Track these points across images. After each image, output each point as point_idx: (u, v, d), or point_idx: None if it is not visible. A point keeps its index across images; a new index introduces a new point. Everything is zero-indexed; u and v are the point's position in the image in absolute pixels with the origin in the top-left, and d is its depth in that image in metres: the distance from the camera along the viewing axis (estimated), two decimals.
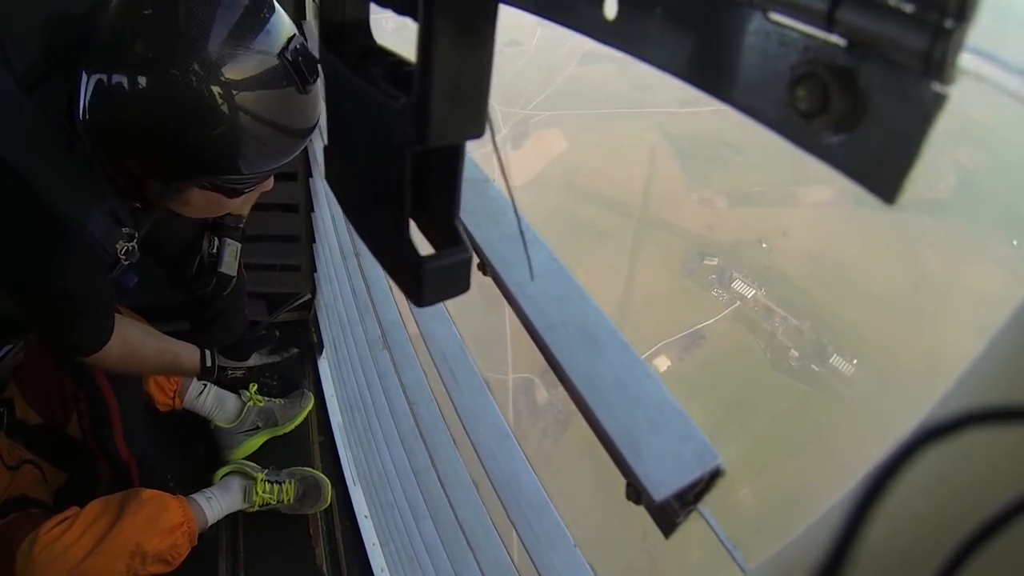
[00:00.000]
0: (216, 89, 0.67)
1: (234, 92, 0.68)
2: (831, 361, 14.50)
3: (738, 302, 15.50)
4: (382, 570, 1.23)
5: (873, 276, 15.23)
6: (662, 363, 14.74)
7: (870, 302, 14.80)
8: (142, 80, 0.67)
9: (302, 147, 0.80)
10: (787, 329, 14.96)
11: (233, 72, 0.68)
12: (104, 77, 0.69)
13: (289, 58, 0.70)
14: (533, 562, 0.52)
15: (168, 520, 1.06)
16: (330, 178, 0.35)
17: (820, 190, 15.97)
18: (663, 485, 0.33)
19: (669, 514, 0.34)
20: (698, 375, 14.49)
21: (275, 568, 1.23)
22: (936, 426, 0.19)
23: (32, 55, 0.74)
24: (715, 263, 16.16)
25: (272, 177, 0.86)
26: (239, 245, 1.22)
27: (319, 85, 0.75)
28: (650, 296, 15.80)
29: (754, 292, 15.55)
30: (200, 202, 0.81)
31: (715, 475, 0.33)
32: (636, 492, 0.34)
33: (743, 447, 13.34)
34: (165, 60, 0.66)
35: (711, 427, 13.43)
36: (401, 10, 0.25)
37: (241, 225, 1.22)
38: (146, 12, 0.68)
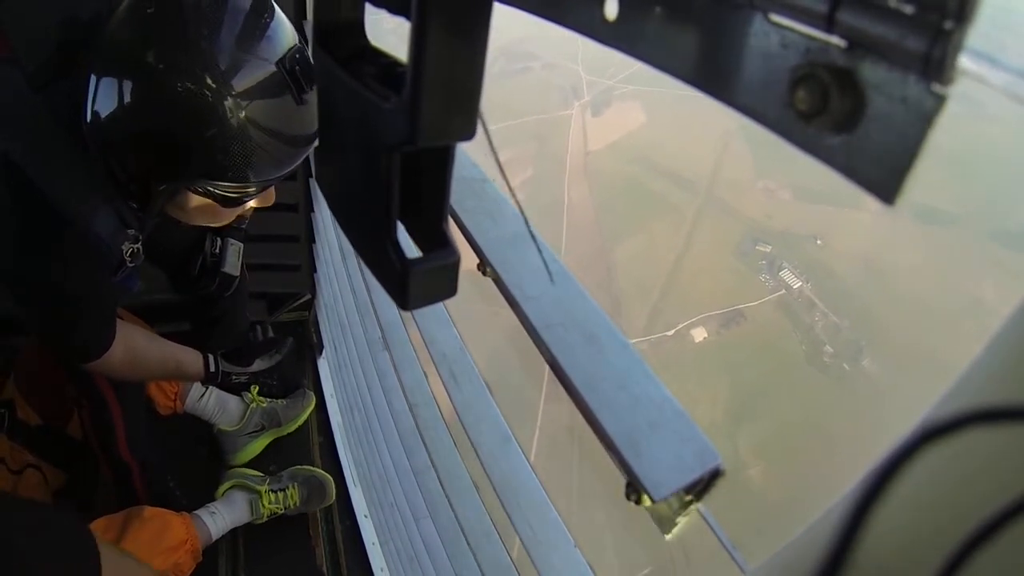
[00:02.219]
0: (217, 94, 0.67)
1: (237, 99, 0.68)
2: (863, 363, 14.58)
3: (783, 290, 15.84)
4: (382, 570, 1.23)
5: (923, 290, 15.37)
6: (699, 333, 15.12)
7: (915, 314, 14.93)
8: (144, 85, 0.67)
9: (302, 157, 0.79)
10: (826, 325, 15.14)
11: (232, 78, 0.68)
12: (108, 80, 0.69)
13: (287, 67, 0.70)
14: (533, 562, 0.52)
15: (171, 539, 1.05)
16: (320, 178, 0.35)
17: None
18: (663, 485, 0.33)
19: (669, 514, 0.34)
20: (732, 351, 14.77)
21: (275, 568, 1.24)
22: (936, 426, 0.19)
23: (43, 55, 0.74)
24: (767, 250, 16.56)
25: (273, 193, 0.85)
26: (242, 245, 1.22)
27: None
28: (699, 269, 16.21)
29: (800, 284, 15.82)
30: (196, 208, 0.81)
31: (715, 475, 0.33)
32: (636, 492, 0.34)
33: (762, 428, 13.59)
34: (168, 67, 0.67)
35: (735, 403, 13.85)
36: (395, 10, 0.25)
37: (244, 225, 1.21)
38: (151, 18, 0.68)
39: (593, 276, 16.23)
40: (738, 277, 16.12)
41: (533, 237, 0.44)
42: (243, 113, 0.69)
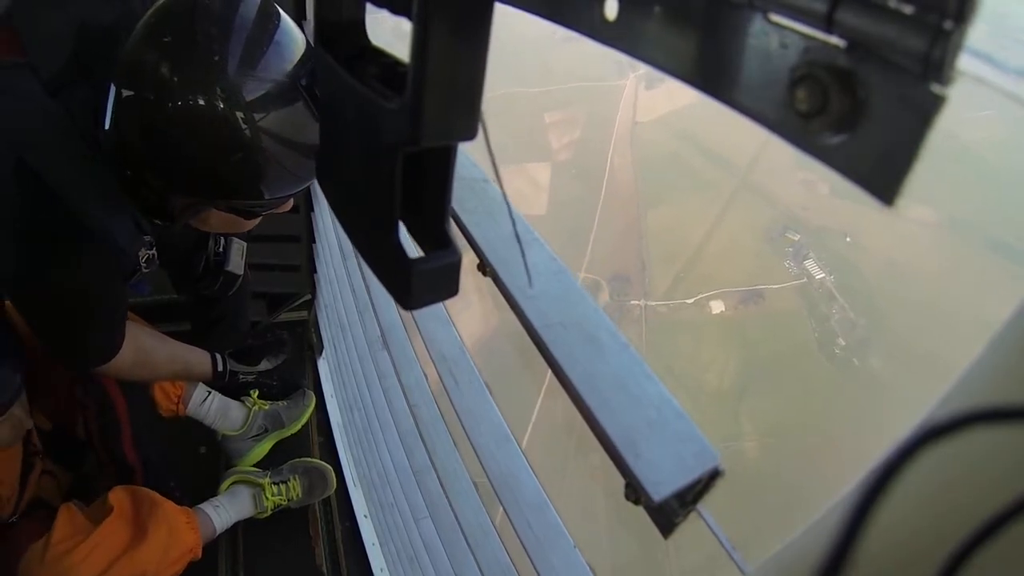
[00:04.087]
0: (238, 115, 0.66)
1: (255, 118, 0.67)
2: (872, 361, 14.75)
3: (805, 279, 16.14)
4: (381, 570, 1.23)
5: (946, 301, 15.48)
6: (717, 306, 15.60)
7: (933, 324, 15.07)
8: (165, 105, 0.67)
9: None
10: (842, 319, 15.38)
11: (252, 99, 0.67)
12: (129, 96, 0.69)
13: (303, 84, 0.69)
14: (533, 562, 0.52)
15: (179, 548, 1.05)
16: (321, 177, 0.35)
17: (924, 210, 16.66)
18: (662, 485, 0.33)
19: (668, 514, 0.34)
20: (747, 327, 15.19)
21: (275, 568, 1.24)
22: (936, 426, 0.19)
23: (59, 61, 0.74)
24: (796, 239, 16.88)
25: (292, 198, 0.85)
26: (245, 244, 1.22)
27: None
28: (726, 248, 16.64)
29: (823, 276, 16.08)
30: (218, 222, 0.81)
31: (714, 476, 0.33)
32: (635, 492, 0.34)
33: (762, 406, 13.88)
34: (187, 86, 0.66)
35: (743, 376, 14.27)
36: (397, 10, 0.25)
37: None
38: (168, 36, 0.67)
39: (624, 237, 16.69)
40: (763, 260, 16.53)
41: (519, 240, 0.44)
42: (263, 133, 0.68)
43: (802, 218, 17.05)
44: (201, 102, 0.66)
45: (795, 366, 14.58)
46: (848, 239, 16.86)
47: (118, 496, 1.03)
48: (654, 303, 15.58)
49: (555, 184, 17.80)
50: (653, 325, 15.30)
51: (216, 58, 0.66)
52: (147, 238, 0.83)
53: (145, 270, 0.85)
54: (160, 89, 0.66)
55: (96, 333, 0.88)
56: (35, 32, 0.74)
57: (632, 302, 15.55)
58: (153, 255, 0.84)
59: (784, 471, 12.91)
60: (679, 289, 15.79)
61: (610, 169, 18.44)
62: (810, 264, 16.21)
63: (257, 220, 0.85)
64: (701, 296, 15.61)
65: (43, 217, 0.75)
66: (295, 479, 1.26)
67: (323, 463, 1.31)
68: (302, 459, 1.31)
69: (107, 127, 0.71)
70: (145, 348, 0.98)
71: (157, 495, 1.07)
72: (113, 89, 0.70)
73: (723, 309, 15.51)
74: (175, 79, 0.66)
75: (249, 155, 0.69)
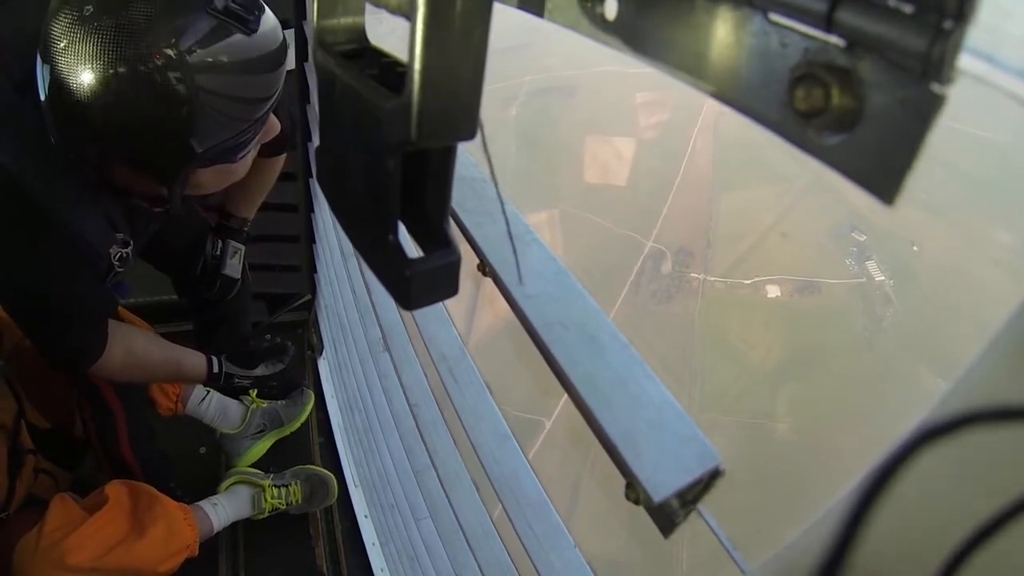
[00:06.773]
0: (171, 73, 0.62)
1: (187, 63, 0.63)
2: (919, 368, 14.91)
3: (864, 279, 16.21)
4: (382, 570, 1.23)
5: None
6: (773, 290, 15.91)
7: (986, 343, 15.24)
8: (91, 78, 0.62)
9: (279, 82, 0.75)
10: (896, 322, 15.46)
11: (178, 45, 0.62)
12: (55, 74, 0.64)
13: (219, 9, 0.65)
14: (533, 562, 0.52)
15: (176, 543, 1.04)
16: (320, 178, 0.35)
17: (1001, 231, 16.70)
18: (662, 485, 0.33)
19: (668, 514, 0.34)
20: (800, 315, 15.47)
21: (275, 567, 1.24)
22: (936, 426, 0.19)
23: (31, 60, 0.74)
24: (861, 239, 16.93)
25: (276, 122, 0.80)
26: (243, 248, 1.21)
27: (268, 15, 0.71)
28: (788, 237, 17.02)
29: (883, 279, 16.15)
30: (209, 180, 0.77)
31: (714, 475, 0.33)
32: (635, 492, 0.34)
33: (801, 392, 14.08)
34: (109, 53, 0.62)
35: (787, 360, 14.53)
36: (395, 10, 0.25)
37: (246, 228, 1.21)
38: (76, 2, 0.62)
39: (695, 216, 17.25)
40: (825, 254, 16.81)
41: (511, 240, 0.44)
42: (204, 80, 0.64)
43: (870, 220, 17.11)
44: (125, 67, 0.61)
45: (841, 360, 14.70)
46: (915, 248, 16.95)
47: (115, 489, 1.03)
48: (713, 279, 15.90)
49: (637, 159, 18.35)
50: (709, 298, 15.63)
51: (132, 17, 0.61)
52: (120, 236, 0.81)
53: (119, 269, 0.83)
54: (79, 62, 0.62)
55: (73, 336, 0.86)
56: (7, 31, 0.73)
57: (692, 275, 15.91)
58: (126, 254, 0.82)
59: (808, 457, 13.07)
60: (739, 270, 16.14)
61: (691, 152, 18.92)
62: (871, 265, 16.28)
63: (249, 161, 0.80)
64: (759, 279, 15.91)
65: (14, 216, 0.74)
66: (296, 484, 1.26)
67: (327, 472, 1.30)
68: (306, 466, 1.31)
69: (42, 102, 0.67)
70: (136, 350, 0.96)
71: (154, 490, 1.07)
72: (40, 64, 0.65)
73: (778, 294, 15.79)
74: (91, 49, 0.61)
75: (193, 108, 0.65)
